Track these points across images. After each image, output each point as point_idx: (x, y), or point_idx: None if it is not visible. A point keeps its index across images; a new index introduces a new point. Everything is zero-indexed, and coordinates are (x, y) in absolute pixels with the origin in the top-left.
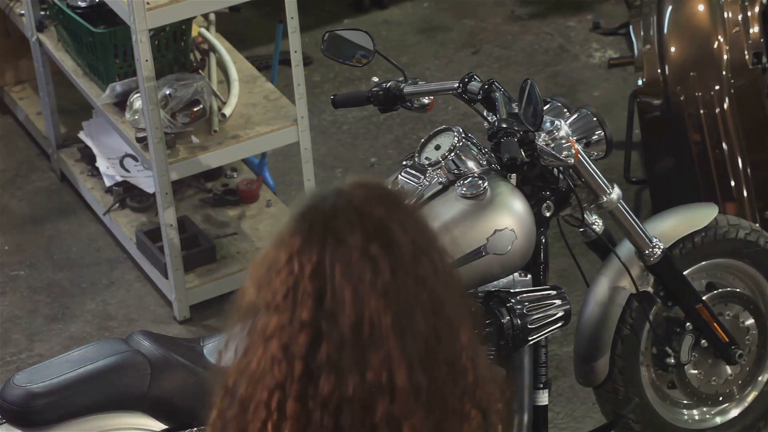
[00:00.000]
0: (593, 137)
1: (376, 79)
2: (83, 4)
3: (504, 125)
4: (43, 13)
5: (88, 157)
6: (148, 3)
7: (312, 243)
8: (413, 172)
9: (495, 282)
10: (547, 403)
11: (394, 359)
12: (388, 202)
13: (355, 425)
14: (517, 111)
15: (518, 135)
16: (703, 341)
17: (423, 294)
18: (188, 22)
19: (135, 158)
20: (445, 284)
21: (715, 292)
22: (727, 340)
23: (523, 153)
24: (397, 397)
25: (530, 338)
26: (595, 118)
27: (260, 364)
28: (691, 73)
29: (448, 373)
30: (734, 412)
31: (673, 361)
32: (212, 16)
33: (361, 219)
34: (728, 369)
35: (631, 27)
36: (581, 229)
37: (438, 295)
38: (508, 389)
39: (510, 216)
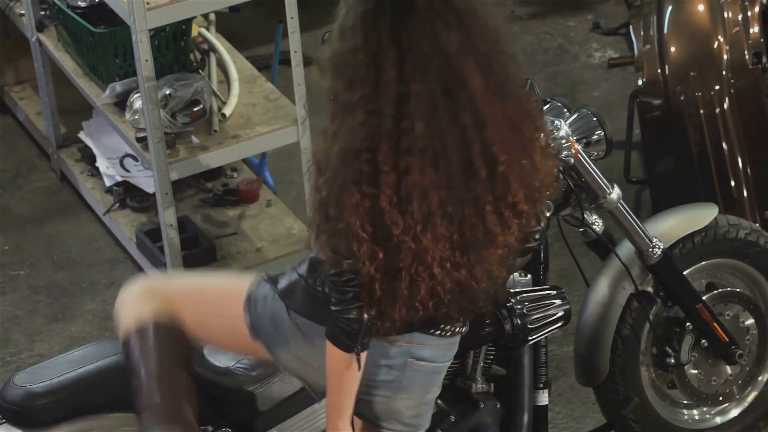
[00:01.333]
0: (593, 137)
1: None
2: (83, 4)
3: None
4: (43, 13)
5: (88, 157)
6: (148, 3)
7: (384, 12)
8: None
9: None
10: (547, 403)
11: (477, 96)
12: None
13: (458, 158)
14: None
15: None
16: (703, 341)
17: (486, 43)
18: (188, 22)
19: (135, 158)
20: (498, 35)
21: (715, 292)
22: (727, 340)
23: None
24: (489, 127)
25: (530, 338)
26: (595, 118)
27: (351, 130)
28: (691, 73)
29: (518, 94)
30: (734, 412)
31: (673, 361)
32: (212, 16)
33: None
34: (728, 369)
35: (631, 27)
36: (581, 229)
37: (497, 41)
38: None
39: None
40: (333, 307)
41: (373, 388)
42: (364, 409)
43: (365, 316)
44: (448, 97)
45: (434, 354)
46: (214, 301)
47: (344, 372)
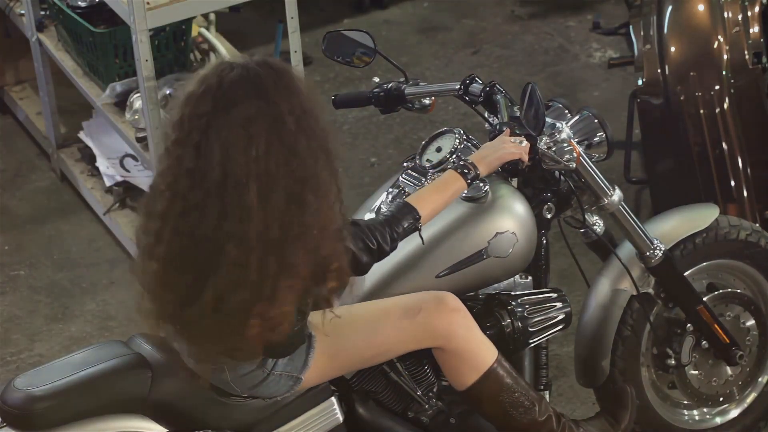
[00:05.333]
0: (594, 139)
1: (376, 79)
2: (83, 4)
3: (505, 128)
4: (43, 13)
5: (88, 157)
6: (148, 3)
7: (206, 103)
8: (415, 173)
9: (496, 284)
10: None
11: (253, 216)
12: (284, 83)
13: (208, 259)
14: (518, 114)
15: None
16: (704, 342)
17: (293, 169)
18: (188, 22)
19: (135, 158)
20: (318, 162)
21: (716, 293)
22: (728, 341)
23: None
24: (244, 245)
25: (531, 341)
26: (596, 120)
27: (152, 194)
28: (691, 73)
29: (297, 236)
30: (734, 413)
31: (673, 362)
32: (212, 16)
33: (256, 95)
34: (729, 370)
35: (631, 27)
36: (582, 230)
37: (306, 172)
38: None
39: (511, 219)
40: None
41: None
42: None
43: None
44: (220, 202)
45: None
46: None
47: None
